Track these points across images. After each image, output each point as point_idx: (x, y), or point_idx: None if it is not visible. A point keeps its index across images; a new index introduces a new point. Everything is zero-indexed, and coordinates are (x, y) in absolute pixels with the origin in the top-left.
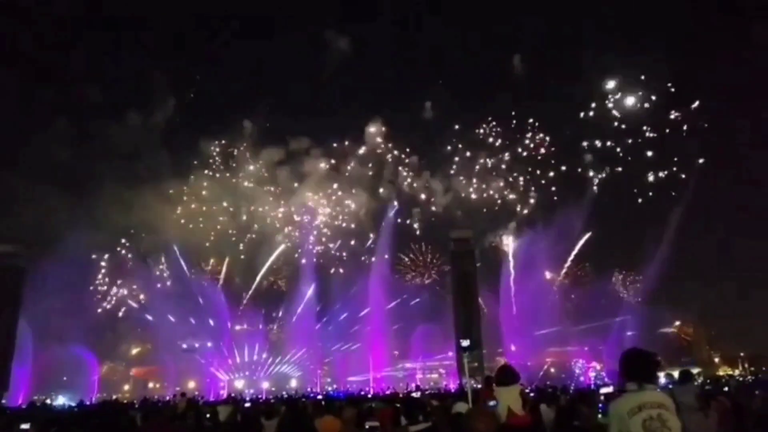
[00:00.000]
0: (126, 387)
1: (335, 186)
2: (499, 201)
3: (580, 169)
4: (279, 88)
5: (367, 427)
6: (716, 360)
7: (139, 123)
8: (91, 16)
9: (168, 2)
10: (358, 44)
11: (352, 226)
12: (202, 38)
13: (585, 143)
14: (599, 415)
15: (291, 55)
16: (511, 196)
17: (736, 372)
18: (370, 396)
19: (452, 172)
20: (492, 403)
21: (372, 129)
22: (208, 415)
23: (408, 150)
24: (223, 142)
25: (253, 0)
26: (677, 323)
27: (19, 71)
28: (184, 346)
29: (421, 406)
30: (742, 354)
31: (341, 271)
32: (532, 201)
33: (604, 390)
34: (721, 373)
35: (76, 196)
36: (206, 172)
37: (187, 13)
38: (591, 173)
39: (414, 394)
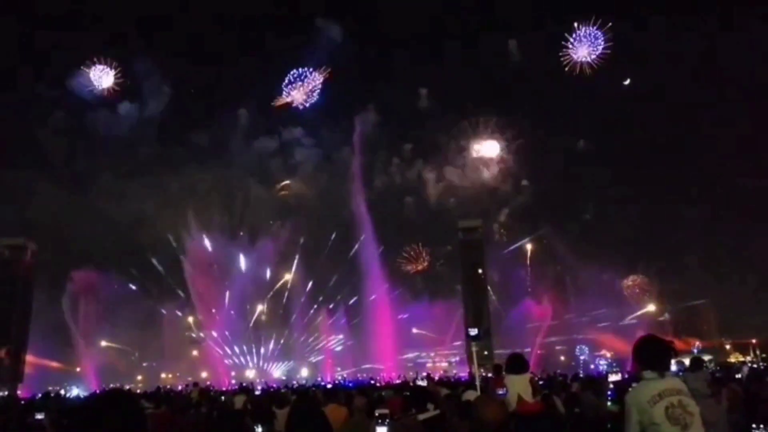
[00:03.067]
0: (139, 377)
1: (327, 175)
2: (490, 189)
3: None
4: (270, 78)
5: (376, 414)
6: (727, 347)
7: (134, 115)
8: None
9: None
10: (351, 30)
11: (344, 214)
12: (195, 28)
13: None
14: (608, 403)
15: (282, 43)
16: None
17: (748, 359)
18: (380, 385)
19: (446, 160)
20: (501, 391)
21: (365, 116)
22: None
23: (401, 138)
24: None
25: None
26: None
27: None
28: (193, 335)
29: (431, 394)
30: (753, 340)
31: (335, 260)
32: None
33: (612, 378)
34: (732, 359)
35: (73, 189)
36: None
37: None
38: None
39: (423, 383)
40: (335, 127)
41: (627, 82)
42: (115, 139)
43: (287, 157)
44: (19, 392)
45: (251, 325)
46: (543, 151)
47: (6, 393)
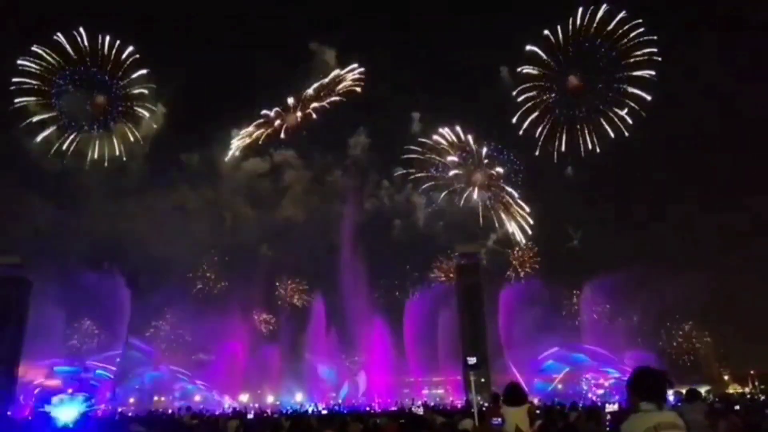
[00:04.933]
0: (131, 399)
1: (317, 198)
2: (480, 215)
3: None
4: (263, 100)
5: None
6: (726, 377)
7: (127, 134)
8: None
9: (158, 16)
10: (344, 56)
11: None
12: (190, 49)
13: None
14: None
15: (276, 66)
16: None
17: (747, 390)
18: (375, 412)
19: (433, 184)
20: (496, 421)
21: (356, 140)
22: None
23: (392, 162)
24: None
25: (240, 13)
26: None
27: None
28: (193, 357)
29: (426, 422)
30: (752, 372)
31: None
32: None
33: (609, 408)
34: (730, 390)
35: (65, 208)
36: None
37: (177, 25)
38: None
39: (419, 410)
40: (326, 149)
41: (625, 110)
42: (108, 158)
43: (278, 179)
44: (10, 413)
45: (245, 348)
46: (535, 177)
47: None
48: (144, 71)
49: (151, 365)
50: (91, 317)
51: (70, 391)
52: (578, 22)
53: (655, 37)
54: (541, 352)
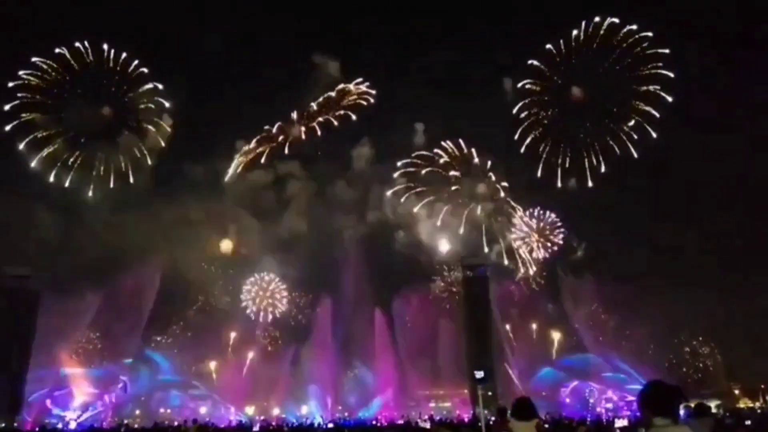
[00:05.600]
0: (137, 412)
1: (320, 209)
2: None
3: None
4: (266, 111)
5: None
6: (736, 392)
7: (133, 149)
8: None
9: (162, 24)
10: (348, 67)
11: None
12: (192, 59)
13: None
14: None
15: (279, 77)
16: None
17: (757, 405)
18: (381, 426)
19: (436, 197)
20: None
21: (360, 152)
22: None
23: (395, 174)
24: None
25: (244, 23)
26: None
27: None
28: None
29: None
30: (762, 386)
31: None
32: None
33: (618, 423)
34: (741, 405)
35: (71, 221)
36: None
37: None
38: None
39: (425, 424)
40: (330, 161)
41: (632, 123)
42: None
43: (281, 190)
44: (17, 425)
45: (250, 360)
46: (539, 190)
47: (3, 425)
48: (151, 85)
49: (157, 376)
50: (99, 328)
51: (76, 407)
52: (582, 34)
53: (667, 51)
54: (546, 365)
